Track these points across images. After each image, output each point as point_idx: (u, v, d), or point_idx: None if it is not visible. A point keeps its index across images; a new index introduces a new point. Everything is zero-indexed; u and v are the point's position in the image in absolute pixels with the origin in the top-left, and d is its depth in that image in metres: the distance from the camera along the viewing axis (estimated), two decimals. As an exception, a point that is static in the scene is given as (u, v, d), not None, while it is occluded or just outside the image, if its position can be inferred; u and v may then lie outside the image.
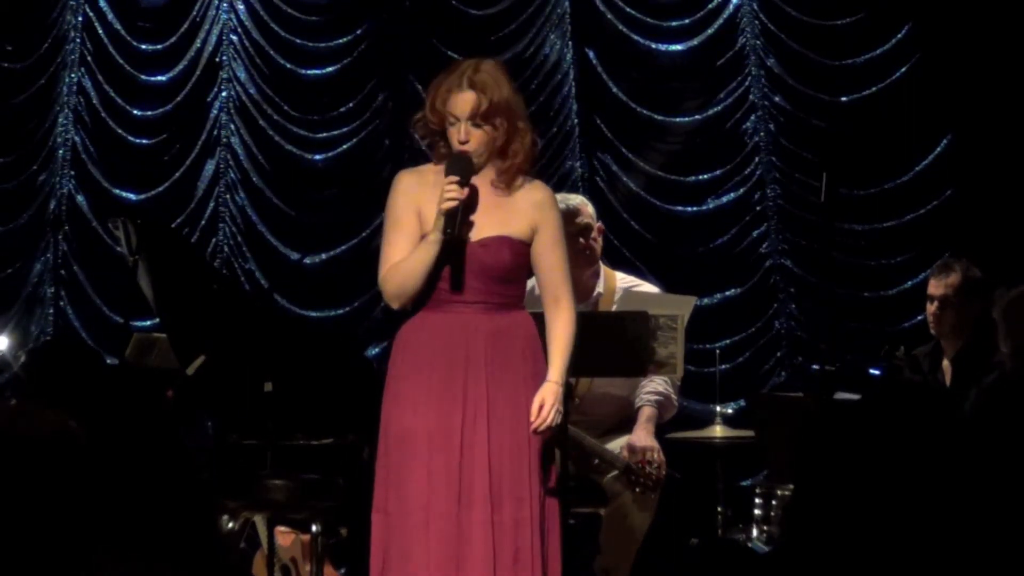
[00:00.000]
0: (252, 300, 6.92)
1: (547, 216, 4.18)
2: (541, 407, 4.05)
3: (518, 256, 4.13)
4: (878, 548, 2.15)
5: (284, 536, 5.70)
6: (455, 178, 4.04)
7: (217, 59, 8.77)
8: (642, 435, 5.37)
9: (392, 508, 4.05)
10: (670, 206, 8.22)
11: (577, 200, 5.63)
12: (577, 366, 4.48)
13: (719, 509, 5.79)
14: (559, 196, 5.56)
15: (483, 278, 4.09)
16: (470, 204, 4.11)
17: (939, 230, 7.76)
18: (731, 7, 8.23)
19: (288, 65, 8.70)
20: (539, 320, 4.22)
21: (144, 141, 8.79)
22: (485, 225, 4.12)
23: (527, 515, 4.01)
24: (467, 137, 4.08)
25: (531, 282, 4.35)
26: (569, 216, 5.43)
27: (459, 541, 3.98)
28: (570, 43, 8.40)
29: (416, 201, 4.10)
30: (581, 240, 5.45)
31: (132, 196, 8.77)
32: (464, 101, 4.09)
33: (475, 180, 4.14)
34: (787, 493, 5.34)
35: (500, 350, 4.07)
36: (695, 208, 8.22)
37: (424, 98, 4.23)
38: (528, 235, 4.15)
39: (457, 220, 4.05)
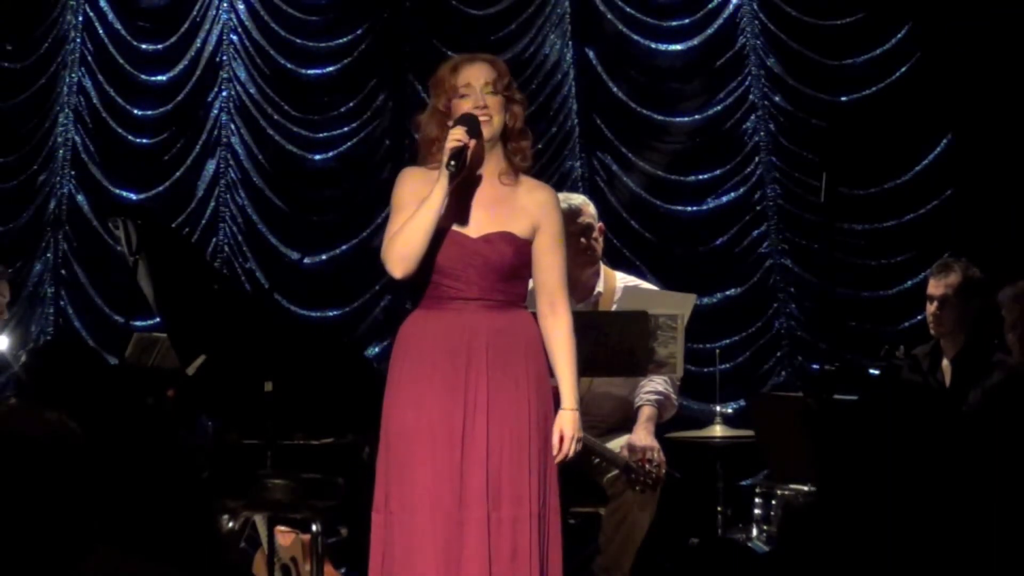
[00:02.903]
0: (252, 300, 6.91)
1: (550, 216, 4.16)
2: (561, 439, 4.07)
3: (520, 253, 4.10)
4: (878, 547, 2.15)
5: (284, 536, 5.70)
6: (461, 128, 4.01)
7: (217, 59, 8.77)
8: (642, 434, 5.38)
9: (395, 507, 4.02)
10: (670, 206, 8.22)
11: (579, 200, 5.63)
12: (577, 366, 4.47)
13: (719, 509, 5.78)
14: (560, 196, 5.57)
15: (486, 274, 4.06)
16: (471, 175, 4.07)
17: (939, 230, 7.76)
18: (731, 7, 8.23)
19: (288, 65, 8.69)
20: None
21: (144, 141, 8.78)
22: (488, 221, 4.10)
23: (526, 513, 3.99)
24: (484, 102, 4.06)
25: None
26: (571, 216, 5.43)
27: (458, 538, 3.97)
28: (570, 43, 8.40)
29: (421, 193, 4.04)
30: (582, 240, 5.45)
31: (132, 196, 8.77)
32: (479, 69, 4.10)
33: (480, 173, 4.12)
34: (787, 493, 5.33)
35: (502, 349, 4.05)
36: (695, 208, 8.22)
37: (424, 98, 4.21)
38: (530, 233, 4.12)
39: (462, 159, 4.01)
